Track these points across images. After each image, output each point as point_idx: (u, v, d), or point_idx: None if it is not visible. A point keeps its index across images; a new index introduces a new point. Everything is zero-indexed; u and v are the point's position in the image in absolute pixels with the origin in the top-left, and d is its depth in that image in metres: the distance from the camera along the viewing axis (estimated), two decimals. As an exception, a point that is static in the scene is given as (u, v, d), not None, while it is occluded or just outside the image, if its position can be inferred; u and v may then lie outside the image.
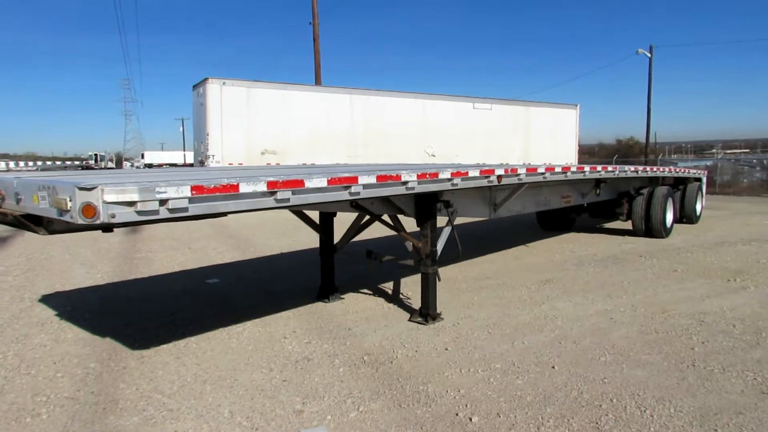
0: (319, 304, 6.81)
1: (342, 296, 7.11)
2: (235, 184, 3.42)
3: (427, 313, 6.00)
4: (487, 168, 5.66)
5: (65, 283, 8.01)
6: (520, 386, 4.30)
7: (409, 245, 6.11)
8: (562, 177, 7.19)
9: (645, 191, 11.51)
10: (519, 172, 6.15)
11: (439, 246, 6.19)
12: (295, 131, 22.30)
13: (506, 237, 12.07)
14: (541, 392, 4.18)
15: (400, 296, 7.13)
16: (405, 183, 4.63)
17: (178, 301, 7.01)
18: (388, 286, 7.67)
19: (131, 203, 3.00)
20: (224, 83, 20.56)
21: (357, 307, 6.68)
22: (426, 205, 5.76)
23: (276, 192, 3.64)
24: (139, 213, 3.03)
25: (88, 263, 9.51)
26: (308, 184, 3.76)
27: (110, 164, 78.91)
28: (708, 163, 33.58)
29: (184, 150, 73.84)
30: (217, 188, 3.32)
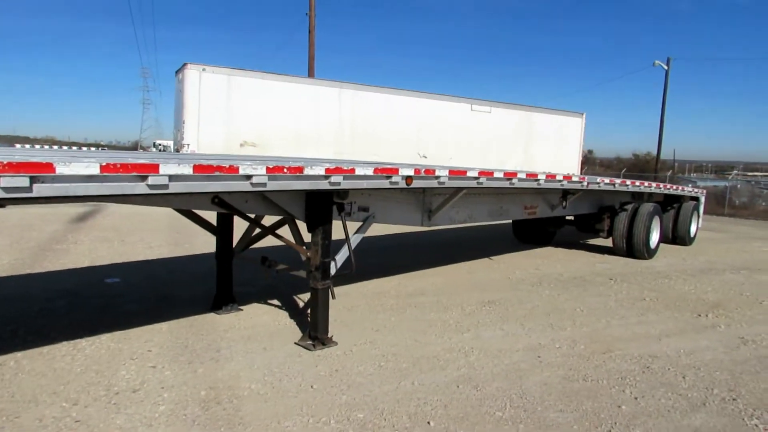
0: (209, 316, 5.83)
1: (241, 307, 6.12)
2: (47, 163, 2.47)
3: (316, 336, 4.99)
4: (387, 167, 4.63)
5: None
6: (369, 450, 3.27)
7: (304, 255, 5.10)
8: (501, 184, 6.12)
9: (629, 207, 10.37)
10: (438, 174, 5.10)
11: (340, 257, 5.18)
12: (278, 124, 21.28)
13: (473, 247, 11.00)
14: (390, 462, 3.15)
15: (309, 311, 6.12)
16: (248, 177, 3.61)
17: (52, 303, 6.07)
18: (305, 297, 6.66)
19: None
20: (204, 69, 19.60)
21: (248, 322, 5.69)
22: (319, 206, 4.75)
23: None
24: None
25: (-3, 252, 8.65)
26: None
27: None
28: (727, 184, 32.09)
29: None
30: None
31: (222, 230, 5.99)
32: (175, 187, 3.22)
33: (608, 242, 10.88)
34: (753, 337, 5.73)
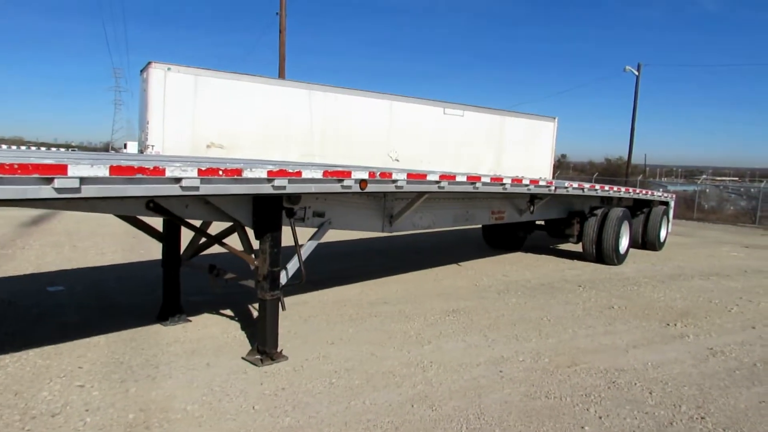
0: (153, 328, 5.45)
1: (189, 318, 5.75)
2: None
3: (264, 350, 4.65)
4: (338, 169, 4.31)
5: None
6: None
7: (253, 263, 4.76)
8: (465, 188, 5.86)
9: (599, 212, 10.23)
10: (395, 177, 4.80)
11: (292, 265, 4.85)
12: (246, 125, 20.78)
13: (442, 252, 10.75)
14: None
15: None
16: (177, 180, 3.26)
17: (-19, 313, 5.62)
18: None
19: None
20: (169, 69, 19.02)
21: (196, 334, 5.32)
22: (266, 211, 4.42)
23: None
24: None
25: (-65, 257, 8.10)
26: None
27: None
28: (696, 188, 32.60)
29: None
30: None
31: (168, 236, 5.62)
32: (89, 191, 2.86)
33: (578, 247, 10.74)
34: (722, 347, 5.57)
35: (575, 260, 10.54)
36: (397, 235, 12.12)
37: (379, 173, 4.60)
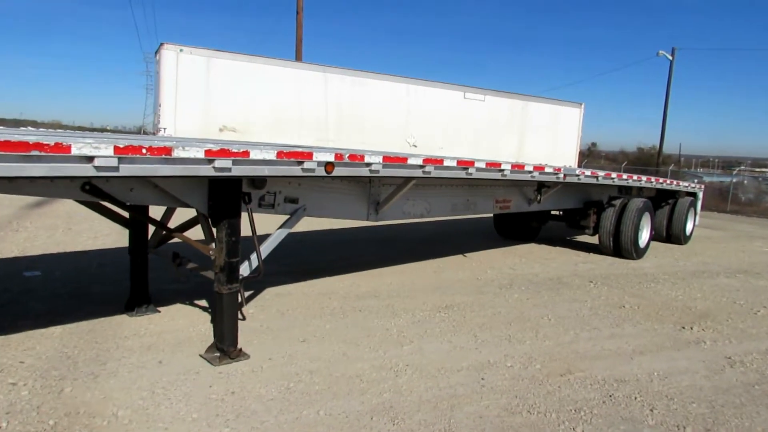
0: (117, 319, 5.10)
1: (159, 309, 5.39)
2: None
3: (222, 348, 4.24)
4: (295, 150, 3.83)
5: None
6: None
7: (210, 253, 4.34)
8: (455, 174, 5.31)
9: (617, 203, 9.55)
10: (368, 160, 4.30)
11: (256, 257, 4.42)
12: (260, 109, 20.38)
13: (449, 242, 10.23)
14: None
15: (249, 312, 5.38)
16: (89, 159, 2.83)
17: (-58, 299, 5.35)
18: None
19: None
20: (181, 50, 18.69)
21: (160, 326, 4.95)
22: (223, 196, 3.98)
23: None
24: None
25: None
26: None
27: None
28: (732, 179, 31.20)
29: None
30: None
31: (136, 221, 5.25)
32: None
33: (596, 240, 10.08)
34: (741, 356, 4.96)
35: (591, 253, 9.90)
36: (402, 223, 11.63)
37: (347, 155, 4.11)
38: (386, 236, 10.63)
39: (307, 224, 9.60)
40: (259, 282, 6.65)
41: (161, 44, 18.31)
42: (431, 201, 6.37)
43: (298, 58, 22.40)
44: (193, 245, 4.33)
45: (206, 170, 3.37)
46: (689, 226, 12.03)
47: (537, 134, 23.87)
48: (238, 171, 3.52)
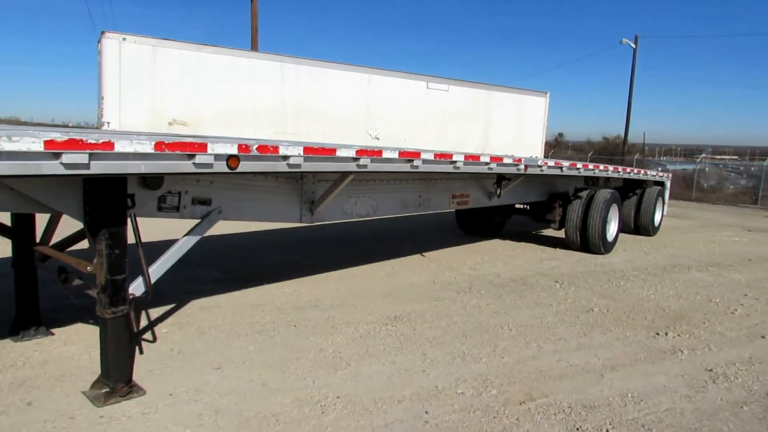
0: (-3, 345, 4.25)
1: (53, 331, 4.56)
2: None
3: (107, 383, 3.45)
4: (182, 141, 3.06)
5: None
6: None
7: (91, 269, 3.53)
8: (397, 167, 4.60)
9: (584, 194, 9.00)
10: (284, 153, 3.55)
11: (155, 269, 3.64)
12: (212, 101, 19.17)
13: (408, 240, 9.56)
14: None
15: (163, 332, 4.59)
16: None
17: None
18: (158, 314, 5.11)
19: None
20: (124, 39, 17.40)
21: (47, 354, 4.13)
22: (102, 199, 3.18)
23: None
24: None
25: None
26: None
27: None
28: (695, 167, 31.38)
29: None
30: None
31: (21, 230, 4.40)
32: None
33: (563, 234, 9.52)
34: (724, 368, 4.38)
35: (557, 249, 9.34)
36: (359, 219, 10.90)
37: (255, 146, 3.35)
38: (340, 234, 9.91)
39: (248, 222, 8.80)
40: (186, 292, 5.89)
41: (102, 33, 17.07)
42: (377, 198, 5.65)
43: (254, 48, 21.42)
44: (66, 261, 3.52)
45: (51, 168, 2.58)
46: (657, 217, 11.61)
47: (503, 124, 23.32)
48: (99, 168, 2.73)
